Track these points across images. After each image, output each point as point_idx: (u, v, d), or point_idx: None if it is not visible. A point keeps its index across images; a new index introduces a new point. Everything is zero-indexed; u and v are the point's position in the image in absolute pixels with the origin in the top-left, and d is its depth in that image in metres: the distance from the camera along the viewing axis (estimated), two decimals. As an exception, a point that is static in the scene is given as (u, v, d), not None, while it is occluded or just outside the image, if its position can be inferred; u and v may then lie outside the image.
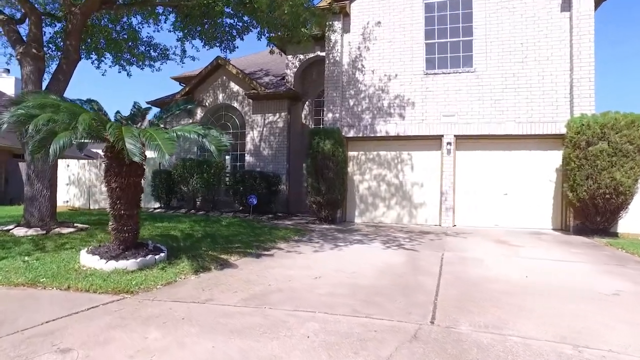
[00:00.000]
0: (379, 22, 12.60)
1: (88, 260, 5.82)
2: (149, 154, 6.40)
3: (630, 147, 9.26)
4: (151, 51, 13.08)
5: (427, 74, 12.11)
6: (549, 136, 11.11)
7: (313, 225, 11.72)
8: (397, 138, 12.37)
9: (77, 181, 17.18)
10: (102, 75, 22.12)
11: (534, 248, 8.27)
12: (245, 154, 15.22)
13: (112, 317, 4.00)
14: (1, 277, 5.27)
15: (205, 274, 5.81)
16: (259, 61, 18.53)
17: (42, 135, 4.97)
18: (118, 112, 6.63)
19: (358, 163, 12.93)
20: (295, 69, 14.85)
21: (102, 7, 9.80)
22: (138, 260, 5.82)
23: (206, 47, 12.19)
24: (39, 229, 8.29)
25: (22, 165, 13.32)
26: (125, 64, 13.05)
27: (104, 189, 6.48)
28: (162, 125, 6.63)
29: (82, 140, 5.80)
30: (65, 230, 8.44)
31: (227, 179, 14.58)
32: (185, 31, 11.84)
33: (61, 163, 16.49)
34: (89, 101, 6.36)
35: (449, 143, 11.79)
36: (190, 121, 14.52)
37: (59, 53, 11.68)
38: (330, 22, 12.52)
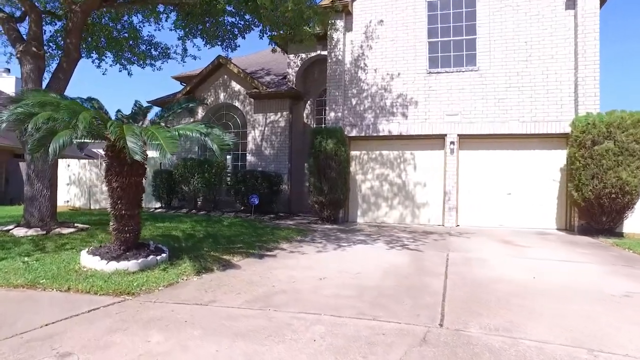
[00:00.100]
0: (382, 21, 12.50)
1: (89, 261, 5.73)
2: (150, 153, 6.32)
3: (636, 147, 9.16)
4: (152, 50, 12.99)
5: (430, 72, 12.01)
6: (553, 135, 11.01)
7: (315, 225, 11.62)
8: (400, 137, 12.27)
9: (77, 181, 17.09)
10: (103, 74, 21.98)
11: (540, 248, 8.17)
12: (247, 154, 15.12)
13: (113, 320, 3.91)
14: (0, 279, 5.18)
15: (208, 275, 5.72)
16: (260, 60, 18.44)
17: (42, 133, 4.88)
18: (119, 110, 6.55)
19: (360, 162, 12.83)
20: (297, 68, 14.75)
21: (102, 5, 9.71)
22: (139, 261, 5.73)
23: (207, 45, 12.11)
24: (39, 229, 8.21)
25: (23, 165, 13.23)
26: (126, 63, 12.97)
27: (104, 188, 6.40)
28: (163, 124, 6.54)
29: (83, 140, 5.72)
30: (65, 231, 8.35)
31: (228, 178, 14.49)
32: (187, 30, 11.76)
33: (62, 163, 16.41)
34: (90, 99, 6.27)
35: (452, 142, 11.69)
36: (192, 120, 14.40)
37: (59, 52, 11.59)
38: (333, 21, 12.43)
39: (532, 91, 11.15)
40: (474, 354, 3.22)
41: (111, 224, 6.03)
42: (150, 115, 7.08)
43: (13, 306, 4.31)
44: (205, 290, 4.97)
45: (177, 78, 18.53)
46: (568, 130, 10.48)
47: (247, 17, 11.18)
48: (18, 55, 8.77)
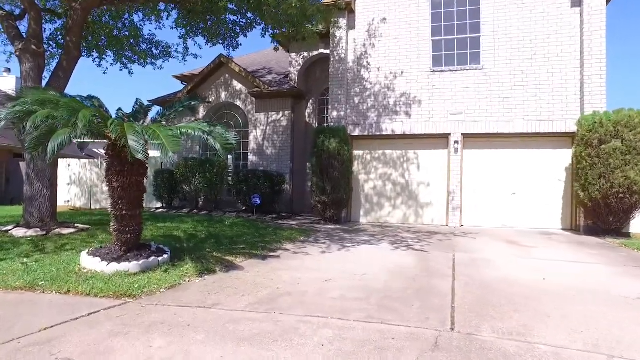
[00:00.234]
0: (385, 19, 12.38)
1: (89, 262, 5.61)
2: (151, 153, 6.20)
3: (644, 146, 9.03)
4: (153, 49, 12.91)
5: (433, 71, 11.88)
6: (559, 134, 10.89)
7: (318, 225, 11.50)
8: (403, 137, 12.14)
9: (78, 181, 16.98)
10: (104, 73, 21.91)
11: (547, 249, 8.05)
12: (249, 153, 15.01)
13: (113, 324, 3.79)
14: (-2, 280, 5.07)
15: (210, 276, 5.60)
16: (261, 60, 18.33)
17: (40, 132, 4.76)
18: (120, 109, 6.43)
19: (363, 162, 12.70)
20: (299, 67, 14.62)
21: (103, 3, 9.62)
22: (140, 262, 5.62)
23: (209, 44, 12.01)
24: (38, 229, 8.10)
25: (23, 165, 13.12)
26: (126, 61, 12.88)
27: (105, 188, 6.29)
28: (165, 123, 6.42)
29: (83, 140, 5.61)
30: (65, 231, 8.24)
31: (230, 178, 14.38)
32: (188, 28, 11.66)
33: (62, 162, 16.31)
34: (90, 98, 6.15)
35: (456, 142, 11.56)
36: (193, 119, 14.29)
37: (59, 51, 11.49)
38: (336, 19, 12.32)
39: (537, 90, 11.02)
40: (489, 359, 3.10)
41: (112, 224, 5.91)
42: (152, 114, 6.97)
43: (11, 309, 4.20)
44: (208, 292, 4.85)
45: (178, 77, 18.41)
46: (574, 129, 10.35)
47: (249, 15, 11.07)
48: (17, 53, 8.66)
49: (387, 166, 12.48)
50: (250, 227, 9.99)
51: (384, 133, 12.20)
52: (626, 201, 9.12)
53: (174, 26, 11.88)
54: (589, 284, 5.42)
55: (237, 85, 15.13)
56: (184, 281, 5.32)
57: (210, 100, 15.37)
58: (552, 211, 11.08)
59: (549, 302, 4.56)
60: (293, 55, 14.68)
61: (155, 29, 34.65)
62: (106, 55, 12.66)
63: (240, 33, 11.69)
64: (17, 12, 9.89)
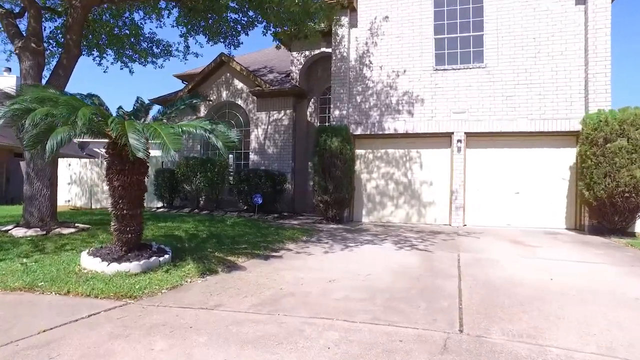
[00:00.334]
0: (387, 17, 12.28)
1: (89, 262, 5.53)
2: (152, 152, 6.12)
3: (651, 144, 8.94)
4: (154, 47, 12.80)
5: (436, 69, 11.79)
6: (563, 133, 10.79)
7: (320, 224, 11.41)
8: (406, 135, 12.05)
9: (79, 180, 16.91)
10: (104, 72, 21.80)
11: (552, 248, 7.95)
12: (250, 153, 14.92)
13: (114, 326, 3.71)
14: (-3, 281, 4.99)
15: (212, 276, 5.52)
16: (262, 59, 18.24)
17: (39, 129, 4.68)
18: (120, 107, 6.34)
19: (365, 161, 12.61)
20: (301, 66, 14.52)
21: (103, 1, 9.52)
22: (141, 262, 5.53)
23: (210, 42, 11.92)
24: (38, 229, 8.01)
25: (24, 164, 13.03)
26: (127, 60, 12.78)
27: (106, 187, 6.19)
28: (165, 121, 6.33)
29: (83, 138, 5.53)
30: (65, 231, 8.16)
31: (231, 177, 14.29)
32: (189, 26, 11.58)
33: (63, 162, 16.24)
34: (90, 96, 6.06)
35: (459, 140, 11.46)
36: (195, 118, 14.23)
37: (59, 49, 11.40)
38: (337, 17, 12.22)
39: (541, 88, 10.92)
40: (500, 363, 3.01)
41: (112, 224, 5.82)
42: (153, 112, 6.88)
43: (9, 311, 4.11)
44: (210, 293, 4.77)
45: (178, 76, 18.33)
46: (578, 127, 10.26)
47: (250, 13, 10.98)
48: (17, 51, 8.57)
49: (390, 165, 12.39)
50: (252, 227, 9.90)
51: (386, 132, 12.10)
52: (632, 200, 9.02)
53: (174, 24, 11.80)
54: (597, 284, 5.33)
55: (238, 84, 15.04)
56: (186, 282, 5.23)
57: (212, 99, 15.28)
58: (556, 210, 10.99)
59: (557, 302, 4.47)
60: (294, 53, 14.59)
61: (156, 27, 34.57)
62: (106, 54, 12.57)
63: (242, 31, 11.60)
64: (17, 10, 9.81)
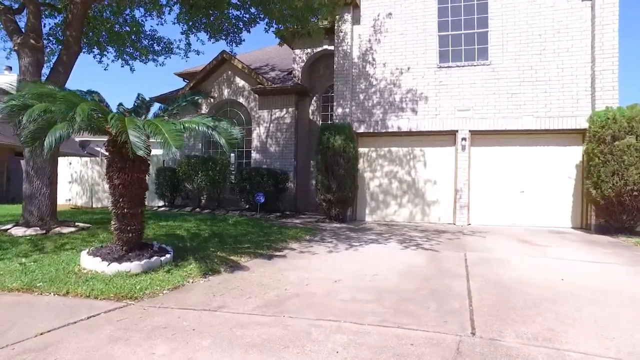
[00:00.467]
0: (390, 14, 12.14)
1: (89, 262, 5.41)
2: (153, 151, 5.99)
3: (659, 142, 8.79)
4: (155, 45, 12.70)
5: (440, 67, 11.64)
6: (569, 131, 10.64)
7: (323, 223, 11.28)
8: (410, 134, 11.90)
9: (79, 179, 16.81)
10: (105, 70, 21.62)
11: (560, 248, 7.81)
12: (252, 151, 14.79)
13: (114, 328, 3.58)
14: (-5, 281, 4.87)
15: (215, 277, 5.39)
16: (264, 57, 18.10)
17: (37, 126, 4.55)
18: (121, 104, 6.21)
19: (369, 160, 12.48)
20: (303, 64, 14.39)
21: (103, -4, 9.41)
22: (142, 262, 5.41)
23: (211, 40, 11.78)
24: (38, 228, 7.90)
25: (24, 163, 12.89)
26: (128, 58, 12.67)
27: (107, 186, 6.06)
28: (167, 118, 6.20)
29: (84, 138, 5.40)
30: (65, 230, 8.04)
31: (232, 176, 14.17)
32: (190, 23, 11.43)
33: (63, 161, 16.14)
34: (90, 92, 5.94)
35: (463, 139, 11.32)
36: (196, 116, 14.09)
37: (59, 47, 11.28)
38: (340, 14, 12.08)
39: (547, 85, 10.78)
40: (517, 368, 2.88)
41: (113, 222, 5.70)
42: (154, 109, 6.75)
43: (7, 312, 3.99)
44: (213, 294, 4.64)
45: (180, 75, 18.19)
46: (584, 125, 10.12)
47: (252, 9, 10.84)
48: (16, 48, 8.45)
49: (393, 164, 12.25)
50: (254, 226, 9.78)
51: (390, 130, 11.97)
52: (640, 199, 8.88)
53: (175, 22, 11.66)
54: (609, 284, 5.19)
55: (240, 82, 14.91)
56: (188, 282, 5.11)
57: (213, 97, 15.15)
58: (561, 209, 10.84)
59: (570, 303, 4.34)
60: (297, 51, 14.45)
61: (157, 24, 34.48)
62: (107, 52, 12.46)
63: (244, 28, 11.46)
64: (16, 6, 9.69)
